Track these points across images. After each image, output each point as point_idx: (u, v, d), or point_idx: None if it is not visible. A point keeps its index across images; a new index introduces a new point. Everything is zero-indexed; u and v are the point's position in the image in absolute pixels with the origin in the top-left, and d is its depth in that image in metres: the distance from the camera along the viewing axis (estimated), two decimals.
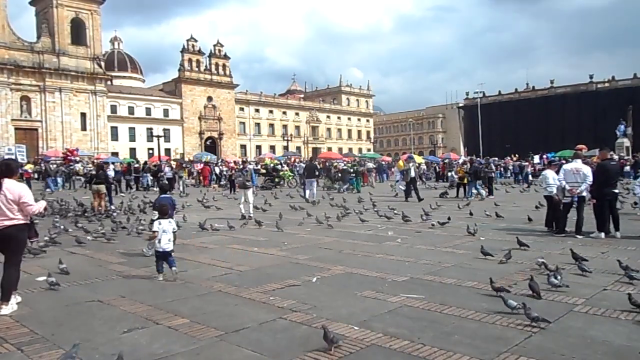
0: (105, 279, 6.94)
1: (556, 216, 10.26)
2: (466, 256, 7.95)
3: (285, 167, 37.03)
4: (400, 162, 24.20)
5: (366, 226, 11.93)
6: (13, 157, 42.27)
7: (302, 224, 12.23)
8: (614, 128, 41.24)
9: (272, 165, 36.57)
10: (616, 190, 10.08)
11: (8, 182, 5.50)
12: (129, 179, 30.86)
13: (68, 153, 46.00)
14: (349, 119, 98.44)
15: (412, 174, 19.58)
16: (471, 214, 13.20)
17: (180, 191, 25.07)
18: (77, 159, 44.95)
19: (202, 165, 37.41)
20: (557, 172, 10.42)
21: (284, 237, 10.32)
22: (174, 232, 7.10)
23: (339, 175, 28.70)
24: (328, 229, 11.49)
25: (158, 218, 7.05)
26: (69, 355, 3.75)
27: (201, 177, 34.26)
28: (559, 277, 5.89)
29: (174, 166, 33.33)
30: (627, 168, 31.26)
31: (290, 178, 32.09)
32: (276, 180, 30.91)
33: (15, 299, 5.57)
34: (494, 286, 5.66)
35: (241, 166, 15.83)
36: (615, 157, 22.38)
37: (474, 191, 20.06)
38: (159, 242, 6.82)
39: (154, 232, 6.94)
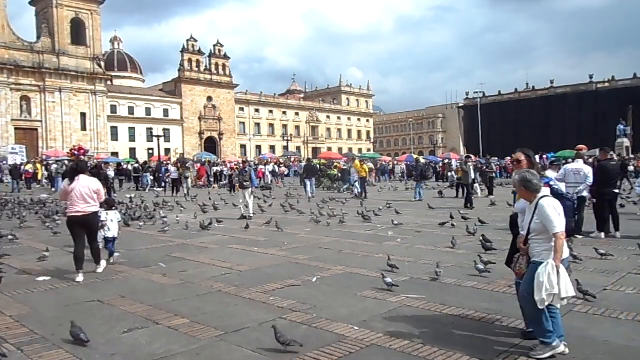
0: (105, 279, 6.94)
1: (580, 217, 10.09)
2: (466, 256, 7.94)
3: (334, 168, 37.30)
4: (357, 162, 23.00)
5: (366, 226, 11.94)
6: (17, 155, 42.67)
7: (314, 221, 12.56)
8: (614, 128, 41.23)
9: (319, 164, 36.91)
10: (616, 190, 10.08)
11: (85, 177, 7.12)
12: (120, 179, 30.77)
13: (76, 147, 44.88)
14: (349, 119, 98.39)
15: (473, 175, 17.09)
16: (452, 216, 12.86)
17: (185, 193, 23.06)
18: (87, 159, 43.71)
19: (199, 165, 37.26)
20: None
21: (284, 237, 10.32)
22: (118, 222, 8.43)
23: (339, 175, 28.72)
24: (328, 229, 11.50)
25: (105, 210, 8.13)
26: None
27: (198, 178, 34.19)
28: (482, 264, 6.70)
29: (179, 166, 31.90)
30: (631, 168, 31.19)
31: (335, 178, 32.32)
32: (322, 180, 31.13)
33: (103, 264, 7.35)
34: (389, 263, 6.80)
35: (241, 166, 15.74)
36: (615, 157, 22.34)
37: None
38: (108, 229, 8.05)
39: (103, 221, 7.89)
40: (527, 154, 4.55)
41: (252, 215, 13.73)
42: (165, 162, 37.98)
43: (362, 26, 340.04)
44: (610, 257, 7.44)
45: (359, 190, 21.53)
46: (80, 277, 6.78)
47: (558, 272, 3.76)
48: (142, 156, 58.45)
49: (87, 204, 6.96)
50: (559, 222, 3.83)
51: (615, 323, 4.67)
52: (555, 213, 3.85)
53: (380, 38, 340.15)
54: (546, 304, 3.79)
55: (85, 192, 6.96)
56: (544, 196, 3.98)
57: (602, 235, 9.49)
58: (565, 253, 3.96)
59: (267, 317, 5.01)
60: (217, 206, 16.46)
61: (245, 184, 14.12)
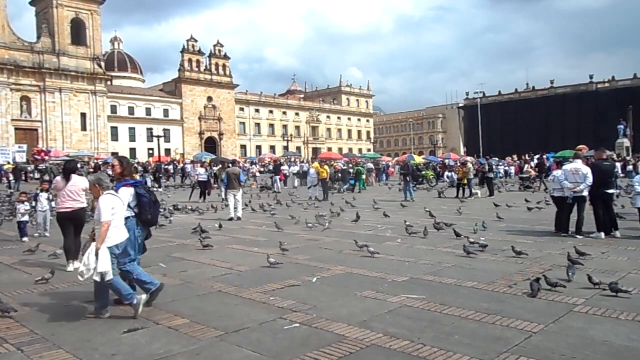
0: None
1: (564, 216, 10.12)
2: (466, 256, 7.94)
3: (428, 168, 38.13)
4: (316, 164, 22.38)
5: (366, 226, 11.93)
6: (21, 153, 42.80)
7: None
8: (614, 128, 41.24)
9: (416, 165, 37.70)
10: (610, 191, 9.98)
11: (76, 176, 7.82)
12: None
13: (35, 150, 44.75)
14: (349, 119, 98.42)
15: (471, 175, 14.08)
16: (432, 214, 12.73)
17: (224, 198, 18.40)
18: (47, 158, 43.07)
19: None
20: None
21: (284, 237, 10.28)
22: (26, 211, 10.95)
23: (339, 175, 28.71)
24: (328, 229, 11.49)
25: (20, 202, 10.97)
26: None
27: None
28: (372, 249, 7.96)
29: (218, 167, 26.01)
30: (630, 167, 31.31)
31: (432, 177, 32.83)
32: (419, 179, 31.63)
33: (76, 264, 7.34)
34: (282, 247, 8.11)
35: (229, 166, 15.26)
36: (615, 157, 22.33)
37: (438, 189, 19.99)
38: (22, 216, 10.64)
39: (18, 209, 10.71)
40: (120, 161, 5.73)
41: (240, 216, 13.67)
42: (191, 162, 37.14)
43: (362, 26, 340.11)
44: (378, 254, 7.94)
45: (315, 195, 20.75)
46: (70, 267, 7.41)
47: (97, 253, 4.79)
48: (142, 156, 58.47)
49: (76, 201, 7.67)
50: (105, 214, 4.91)
51: (615, 323, 4.67)
52: (107, 207, 4.94)
53: (379, 38, 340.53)
54: (89, 277, 4.90)
55: (76, 190, 7.67)
56: (107, 193, 5.12)
57: (602, 235, 9.48)
58: (119, 238, 5.04)
59: (267, 317, 5.01)
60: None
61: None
